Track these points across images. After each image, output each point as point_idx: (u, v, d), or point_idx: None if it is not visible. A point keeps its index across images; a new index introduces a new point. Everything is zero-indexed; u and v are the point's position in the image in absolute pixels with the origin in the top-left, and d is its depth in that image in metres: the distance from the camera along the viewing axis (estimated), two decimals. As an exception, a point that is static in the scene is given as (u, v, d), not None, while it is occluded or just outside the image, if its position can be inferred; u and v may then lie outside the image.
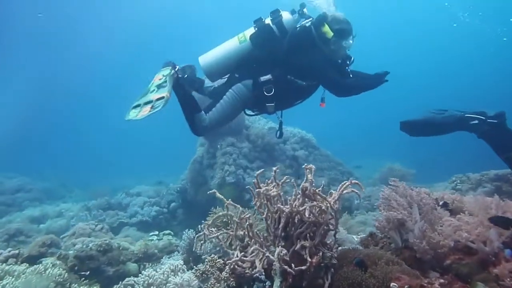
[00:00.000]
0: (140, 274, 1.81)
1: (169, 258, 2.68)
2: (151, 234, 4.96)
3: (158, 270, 1.86)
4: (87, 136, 29.23)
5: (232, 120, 3.40)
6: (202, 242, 1.95)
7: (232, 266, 1.76)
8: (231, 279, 1.72)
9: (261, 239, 1.84)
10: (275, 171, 1.87)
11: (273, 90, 3.08)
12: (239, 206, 2.00)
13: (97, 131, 30.23)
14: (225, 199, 1.98)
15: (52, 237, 3.91)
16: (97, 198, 8.10)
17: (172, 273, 1.87)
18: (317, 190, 1.83)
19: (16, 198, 10.05)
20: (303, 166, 1.80)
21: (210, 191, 2.00)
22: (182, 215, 7.47)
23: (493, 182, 5.25)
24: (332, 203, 1.82)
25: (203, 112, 3.13)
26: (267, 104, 3.16)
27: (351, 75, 3.11)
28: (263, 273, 1.79)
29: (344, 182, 1.87)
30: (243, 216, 1.92)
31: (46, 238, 3.83)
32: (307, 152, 8.06)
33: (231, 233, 1.96)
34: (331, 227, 1.87)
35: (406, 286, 1.37)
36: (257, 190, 1.82)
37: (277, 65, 3.11)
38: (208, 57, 3.23)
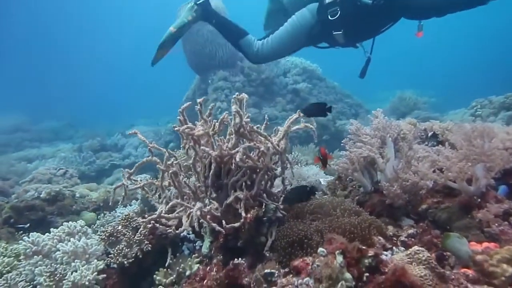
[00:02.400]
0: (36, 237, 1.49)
1: (124, 208, 2.39)
2: (124, 179, 4.68)
3: (49, 234, 1.56)
4: (102, 75, 28.45)
5: (294, 50, 2.99)
6: (123, 195, 1.62)
7: (149, 225, 1.43)
8: (146, 242, 1.40)
9: (190, 191, 1.49)
10: (199, 103, 1.46)
11: (339, 13, 2.58)
12: (164, 149, 1.64)
13: (113, 71, 29.37)
14: (147, 141, 1.61)
15: (-3, 183, 3.58)
16: (89, 140, 7.86)
17: (68, 237, 1.56)
18: (255, 127, 1.43)
19: (14, 138, 9.60)
20: (233, 97, 1.38)
21: (131, 131, 1.63)
22: (180, 156, 7.18)
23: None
24: (276, 142, 1.43)
25: (250, 35, 2.87)
26: (334, 33, 2.67)
27: None
28: (191, 232, 1.47)
29: (292, 116, 1.46)
30: (169, 162, 1.56)
31: (-10, 185, 3.52)
32: (311, 84, 7.42)
33: (157, 183, 1.62)
34: (276, 172, 1.50)
35: (337, 252, 1.02)
36: (176, 128, 1.43)
37: None
38: None
